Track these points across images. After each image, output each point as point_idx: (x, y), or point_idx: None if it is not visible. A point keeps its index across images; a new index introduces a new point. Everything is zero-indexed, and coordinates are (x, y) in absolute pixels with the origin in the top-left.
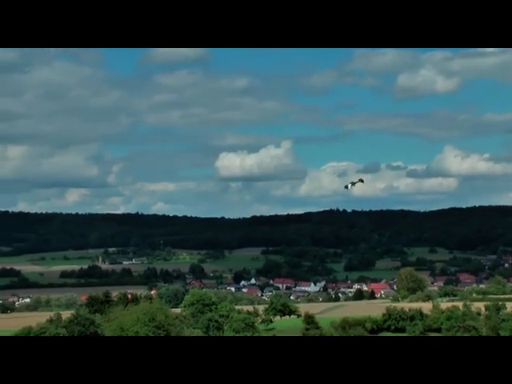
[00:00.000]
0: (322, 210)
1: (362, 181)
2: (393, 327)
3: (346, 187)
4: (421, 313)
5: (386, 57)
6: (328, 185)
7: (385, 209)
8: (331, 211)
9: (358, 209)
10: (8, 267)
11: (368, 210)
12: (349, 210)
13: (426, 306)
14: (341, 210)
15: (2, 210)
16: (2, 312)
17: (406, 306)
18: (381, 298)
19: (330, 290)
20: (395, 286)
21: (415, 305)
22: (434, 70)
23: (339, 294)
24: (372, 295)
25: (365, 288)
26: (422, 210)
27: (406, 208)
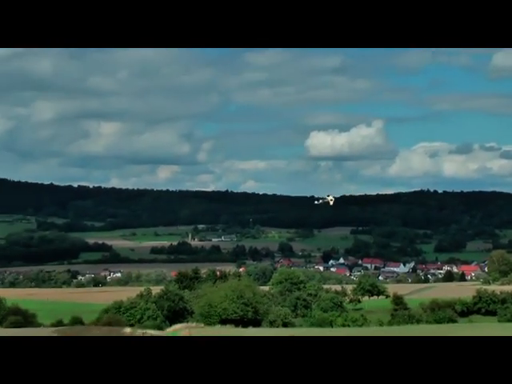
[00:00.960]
0: (412, 190)
1: (331, 199)
2: (483, 310)
3: (317, 200)
4: None
5: None
6: (419, 165)
7: (477, 190)
8: (422, 192)
9: (450, 190)
10: (100, 242)
11: (459, 191)
12: (440, 191)
13: None
14: (432, 190)
15: (96, 185)
16: (94, 286)
17: (498, 288)
18: (471, 280)
19: (419, 271)
20: (486, 269)
21: (507, 288)
22: None
23: (428, 276)
24: (462, 277)
25: (455, 270)
26: None
27: (498, 190)
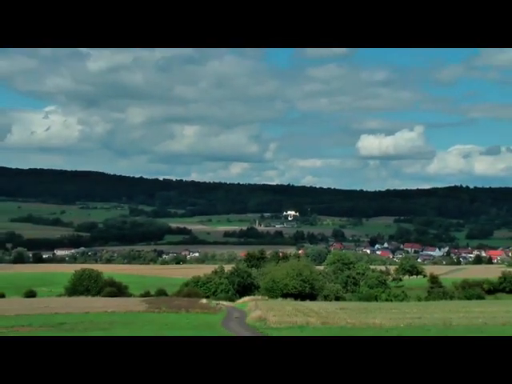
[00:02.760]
0: (447, 185)
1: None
2: (507, 289)
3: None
4: None
5: (510, 54)
6: (453, 164)
7: (503, 186)
8: (455, 187)
9: (480, 186)
10: (182, 226)
11: (488, 187)
12: (471, 187)
13: None
14: (464, 186)
15: (178, 178)
16: (177, 263)
17: None
18: (497, 263)
19: (452, 255)
20: (510, 254)
21: None
22: None
23: (460, 259)
24: (489, 260)
25: (483, 254)
26: None
27: None
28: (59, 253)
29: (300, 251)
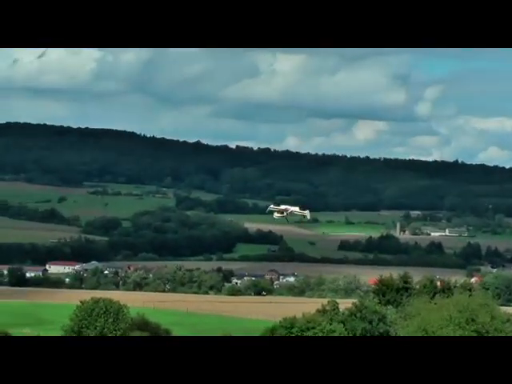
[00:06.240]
0: None
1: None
2: None
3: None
4: None
5: None
6: None
7: None
8: None
9: None
10: (265, 229)
11: None
12: None
13: None
14: None
15: (263, 146)
16: (255, 294)
17: None
18: None
19: None
20: None
21: None
22: None
23: None
24: None
25: None
26: None
27: None
28: (54, 269)
29: (473, 279)
